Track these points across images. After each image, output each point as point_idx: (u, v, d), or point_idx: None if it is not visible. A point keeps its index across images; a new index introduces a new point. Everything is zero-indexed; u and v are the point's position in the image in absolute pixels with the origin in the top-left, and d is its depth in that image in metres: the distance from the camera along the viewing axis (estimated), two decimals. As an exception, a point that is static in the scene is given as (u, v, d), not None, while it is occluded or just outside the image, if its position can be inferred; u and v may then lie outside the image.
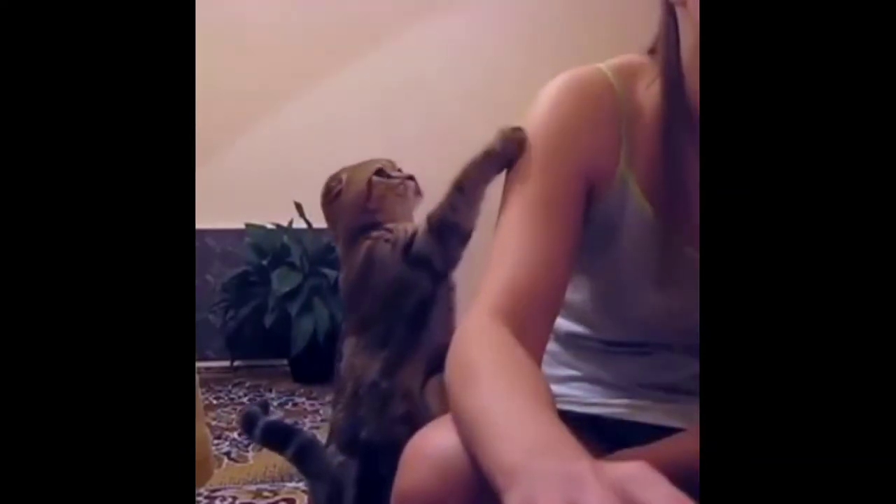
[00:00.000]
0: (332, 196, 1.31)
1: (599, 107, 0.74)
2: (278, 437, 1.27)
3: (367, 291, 1.28)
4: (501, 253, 0.70)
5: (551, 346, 0.84)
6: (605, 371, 0.84)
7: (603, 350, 0.84)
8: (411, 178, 1.30)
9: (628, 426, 0.81)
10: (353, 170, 1.31)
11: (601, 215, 0.76)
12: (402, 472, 0.60)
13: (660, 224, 0.75)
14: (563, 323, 0.86)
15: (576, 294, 0.83)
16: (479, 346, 0.63)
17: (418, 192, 1.31)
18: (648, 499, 0.38)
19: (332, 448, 1.29)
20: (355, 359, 1.26)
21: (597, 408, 0.84)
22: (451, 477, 0.56)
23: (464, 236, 1.17)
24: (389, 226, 1.26)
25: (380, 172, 1.28)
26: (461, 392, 0.59)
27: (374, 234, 1.26)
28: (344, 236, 1.32)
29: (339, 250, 1.35)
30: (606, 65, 0.77)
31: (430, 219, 1.17)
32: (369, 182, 1.27)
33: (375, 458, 1.22)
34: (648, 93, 0.75)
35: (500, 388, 0.57)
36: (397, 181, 1.29)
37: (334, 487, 1.26)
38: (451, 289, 1.26)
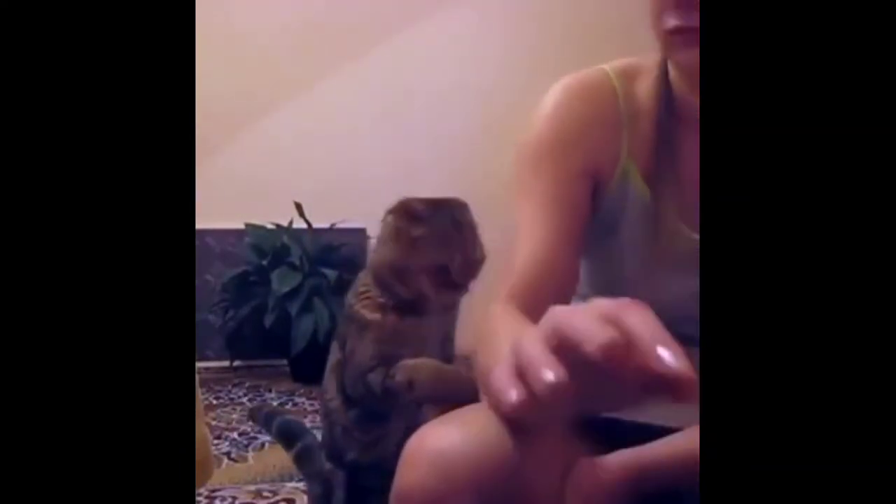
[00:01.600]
0: (403, 214, 1.22)
1: (602, 107, 0.78)
2: (289, 435, 1.35)
3: (348, 341, 1.26)
4: (516, 251, 0.76)
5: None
6: None
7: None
8: (462, 286, 1.22)
9: (627, 426, 0.81)
10: (434, 225, 1.19)
11: (605, 209, 0.80)
12: (402, 471, 0.60)
13: (655, 205, 0.78)
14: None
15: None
16: (496, 318, 0.71)
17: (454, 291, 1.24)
18: (633, 322, 0.39)
19: (322, 454, 1.30)
20: (331, 399, 1.26)
21: (596, 407, 0.84)
22: (451, 475, 0.56)
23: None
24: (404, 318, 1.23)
25: (444, 270, 1.19)
26: (483, 348, 0.67)
27: (392, 314, 1.22)
28: (375, 271, 1.26)
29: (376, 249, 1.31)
30: (610, 66, 0.81)
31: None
32: (426, 271, 1.20)
33: (362, 473, 1.23)
34: (647, 92, 0.79)
35: (510, 322, 0.67)
36: (442, 281, 1.20)
37: (325, 488, 1.27)
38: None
